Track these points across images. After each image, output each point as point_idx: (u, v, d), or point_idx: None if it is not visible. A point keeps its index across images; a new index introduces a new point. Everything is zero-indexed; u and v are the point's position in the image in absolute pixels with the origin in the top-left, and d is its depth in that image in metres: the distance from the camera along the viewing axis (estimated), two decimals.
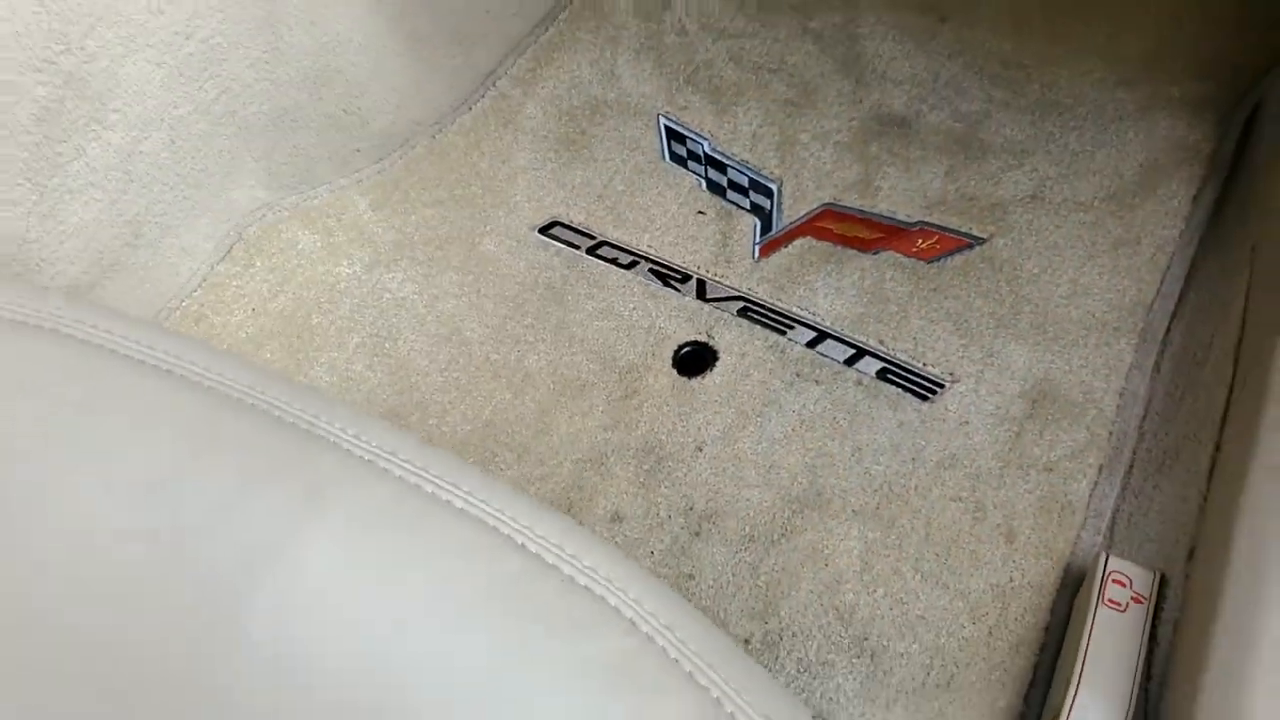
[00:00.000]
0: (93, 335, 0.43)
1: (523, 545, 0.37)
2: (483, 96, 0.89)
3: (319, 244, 0.78)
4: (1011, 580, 0.64)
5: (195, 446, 0.40)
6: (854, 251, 0.79)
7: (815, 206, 0.82)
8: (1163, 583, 0.59)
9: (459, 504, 0.38)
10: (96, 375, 0.42)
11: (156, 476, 0.38)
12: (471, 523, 0.37)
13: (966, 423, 0.70)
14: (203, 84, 0.69)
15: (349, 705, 0.34)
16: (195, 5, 0.66)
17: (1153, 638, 0.58)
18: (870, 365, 0.73)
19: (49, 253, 0.64)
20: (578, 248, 0.80)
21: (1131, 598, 0.59)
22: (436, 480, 0.39)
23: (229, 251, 0.77)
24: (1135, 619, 0.58)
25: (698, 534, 0.67)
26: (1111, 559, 0.60)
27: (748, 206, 0.82)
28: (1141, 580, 0.60)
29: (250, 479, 0.38)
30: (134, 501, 0.38)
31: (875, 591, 0.64)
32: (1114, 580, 0.60)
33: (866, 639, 0.63)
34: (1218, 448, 0.61)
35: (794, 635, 0.63)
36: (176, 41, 0.66)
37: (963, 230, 0.80)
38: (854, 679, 0.61)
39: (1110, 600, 0.59)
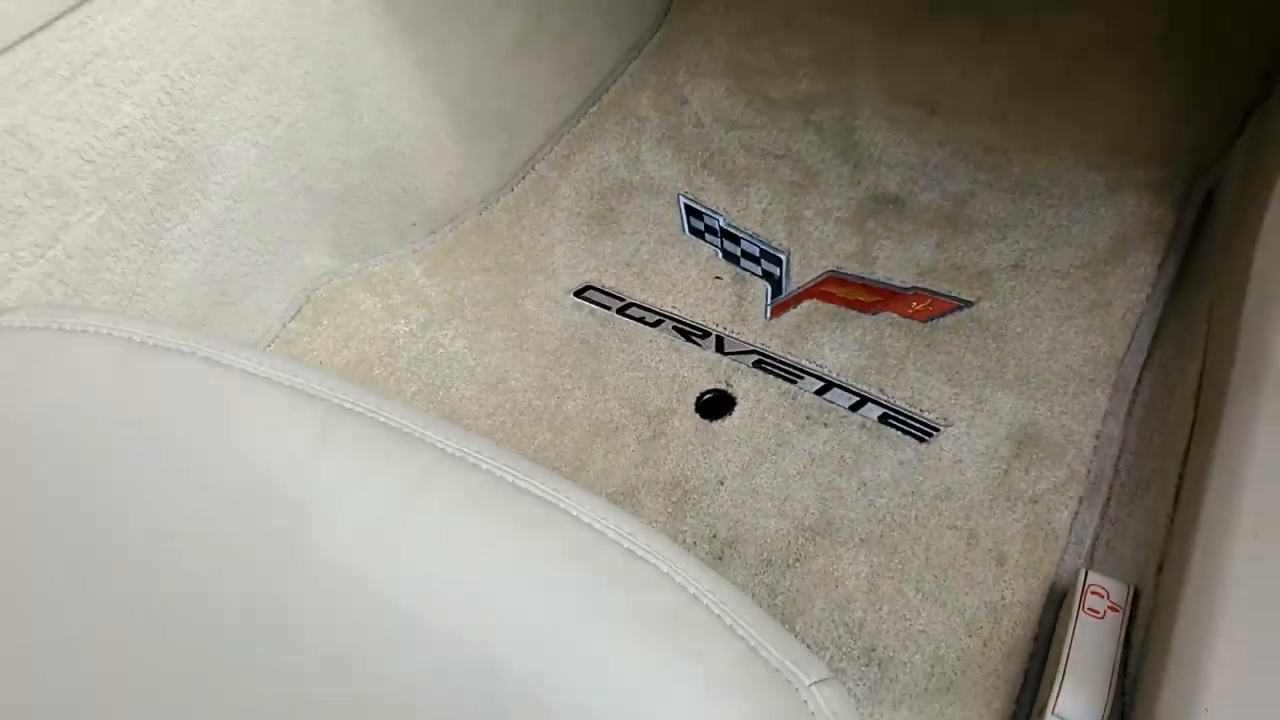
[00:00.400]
0: (226, 358, 0.52)
1: (589, 524, 0.45)
2: (524, 178, 0.99)
3: (379, 306, 0.88)
4: (1003, 598, 0.72)
5: (315, 442, 0.48)
6: (855, 312, 0.89)
7: (820, 273, 0.92)
8: (1136, 594, 0.67)
9: (536, 492, 0.46)
10: (234, 389, 0.51)
11: (284, 465, 0.47)
12: (547, 506, 0.45)
13: (960, 461, 0.79)
14: (287, 162, 0.79)
15: (452, 648, 0.42)
16: (285, 93, 0.76)
17: (1128, 641, 0.65)
18: (873, 411, 0.82)
19: (151, 306, 0.73)
20: (609, 308, 0.89)
21: (1109, 606, 0.67)
22: (516, 473, 0.47)
23: (299, 311, 0.86)
24: (1112, 625, 0.66)
25: (720, 559, 0.75)
26: (1090, 574, 0.68)
27: (759, 273, 0.92)
28: (1117, 592, 0.67)
29: (362, 468, 0.46)
30: (267, 484, 0.46)
31: (881, 609, 0.72)
32: (1093, 592, 0.67)
33: (874, 650, 0.70)
34: (1181, 480, 0.69)
35: (809, 647, 0.70)
36: (268, 125, 0.76)
37: (953, 294, 0.90)
38: (864, 685, 0.68)
39: (1090, 609, 0.67)
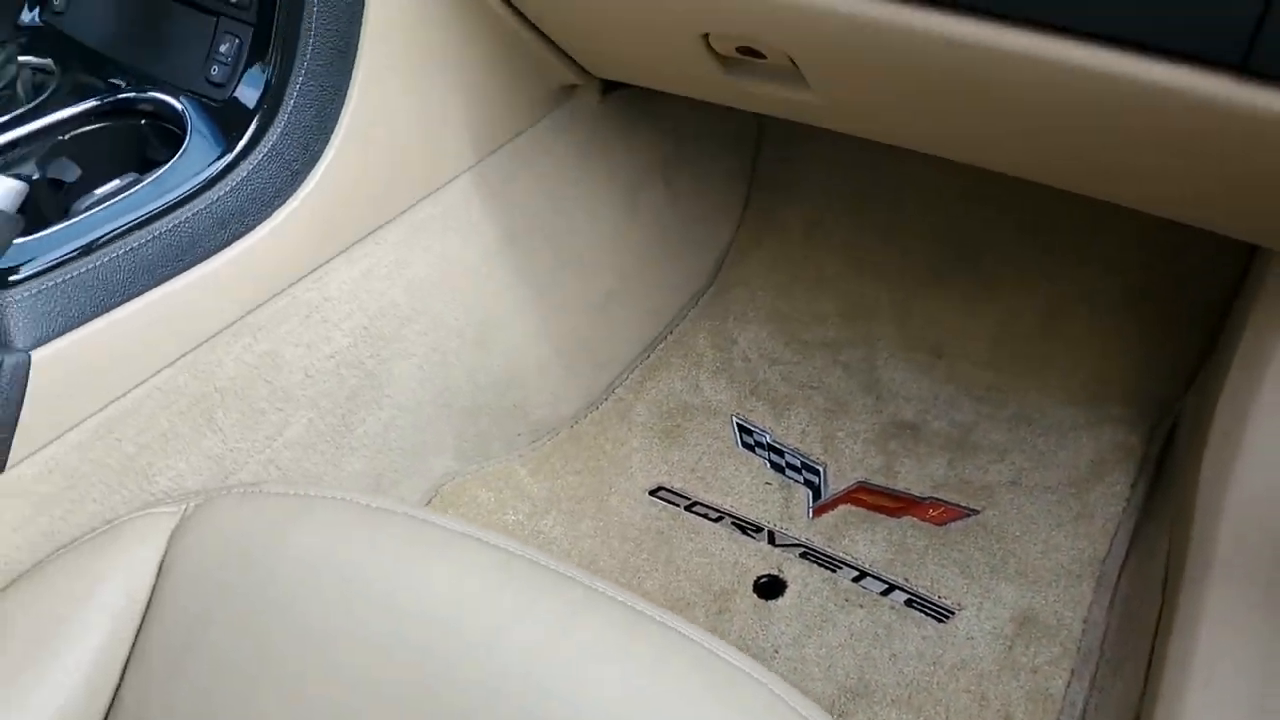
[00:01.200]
0: (423, 516, 0.70)
1: (699, 643, 0.62)
2: (606, 399, 1.21)
3: (493, 499, 1.08)
4: None
5: (497, 577, 0.66)
6: (883, 516, 1.08)
7: (852, 484, 1.12)
8: None
9: (658, 619, 0.63)
10: (436, 538, 0.69)
11: (474, 594, 0.64)
12: (663, 628, 0.63)
13: (972, 638, 0.95)
14: (436, 383, 1.01)
15: None
16: (443, 331, 0.99)
17: None
18: (899, 596, 0.99)
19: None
20: (678, 506, 1.09)
21: None
22: (642, 605, 0.65)
23: (429, 502, 1.06)
24: None
25: None
26: None
27: (802, 481, 1.12)
28: None
29: (531, 598, 0.64)
30: (462, 608, 0.63)
31: None
32: None
33: None
34: (1151, 656, 0.86)
35: None
36: (429, 354, 0.98)
37: (962, 504, 1.09)
38: None
39: None
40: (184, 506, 0.71)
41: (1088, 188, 0.83)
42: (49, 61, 0.88)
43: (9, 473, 0.67)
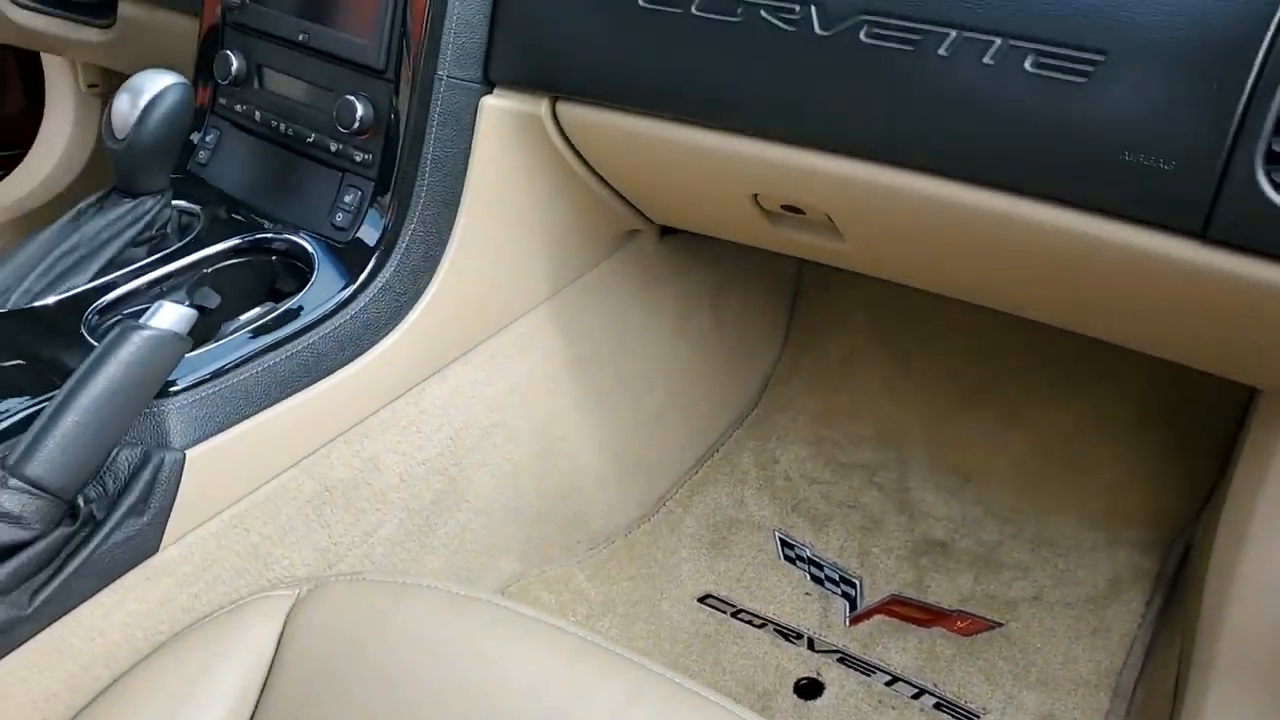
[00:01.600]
0: (502, 602, 0.81)
1: None
2: (658, 512, 1.32)
3: (553, 600, 1.17)
4: None
5: (567, 659, 0.75)
6: (914, 626, 1.16)
7: (885, 596, 1.20)
8: None
9: (714, 699, 0.73)
10: (513, 624, 0.79)
11: (546, 673, 0.74)
12: (717, 706, 0.72)
13: None
14: (507, 490, 1.12)
15: None
16: (515, 442, 1.11)
17: None
18: (929, 700, 1.07)
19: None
20: (725, 612, 1.18)
21: None
22: (696, 688, 0.74)
23: None
24: None
25: None
26: None
27: (839, 593, 1.21)
28: None
29: (598, 678, 0.74)
30: (531, 688, 0.73)
31: None
32: None
33: None
34: None
35: None
36: (502, 463, 1.10)
37: (988, 617, 1.17)
38: None
39: None
40: (298, 590, 0.82)
41: (1087, 330, 0.95)
42: (195, 206, 1.03)
43: (160, 554, 0.79)
